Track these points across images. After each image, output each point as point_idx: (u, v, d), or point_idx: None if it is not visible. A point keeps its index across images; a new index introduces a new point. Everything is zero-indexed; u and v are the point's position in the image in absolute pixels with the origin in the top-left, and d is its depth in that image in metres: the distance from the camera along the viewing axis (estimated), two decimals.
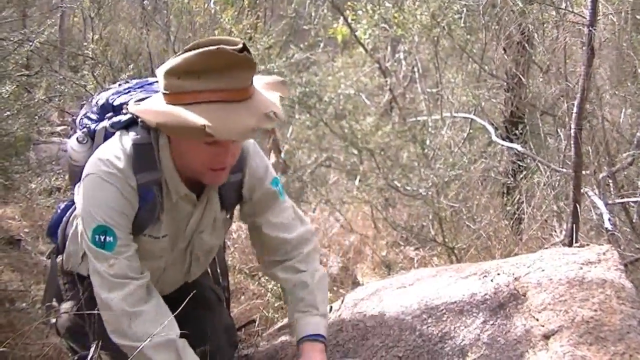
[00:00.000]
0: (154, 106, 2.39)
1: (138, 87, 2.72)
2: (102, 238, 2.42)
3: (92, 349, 2.27)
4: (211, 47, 2.26)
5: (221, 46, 2.25)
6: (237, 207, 2.86)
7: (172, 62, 2.33)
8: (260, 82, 2.50)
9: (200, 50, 2.27)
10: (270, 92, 2.49)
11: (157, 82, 2.51)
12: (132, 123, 2.56)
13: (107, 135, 2.61)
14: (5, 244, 4.52)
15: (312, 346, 2.65)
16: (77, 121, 2.83)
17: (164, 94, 2.37)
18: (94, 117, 2.74)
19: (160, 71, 2.37)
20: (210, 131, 2.20)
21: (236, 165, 2.62)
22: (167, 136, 2.50)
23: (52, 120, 7.21)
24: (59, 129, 6.80)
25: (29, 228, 4.98)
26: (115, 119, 2.62)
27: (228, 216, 2.84)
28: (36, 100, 4.64)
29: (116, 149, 2.49)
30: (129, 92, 2.70)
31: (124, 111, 2.59)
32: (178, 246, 2.72)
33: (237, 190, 2.75)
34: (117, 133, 2.56)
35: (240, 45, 2.28)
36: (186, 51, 2.33)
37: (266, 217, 2.80)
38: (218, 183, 2.61)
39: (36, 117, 4.63)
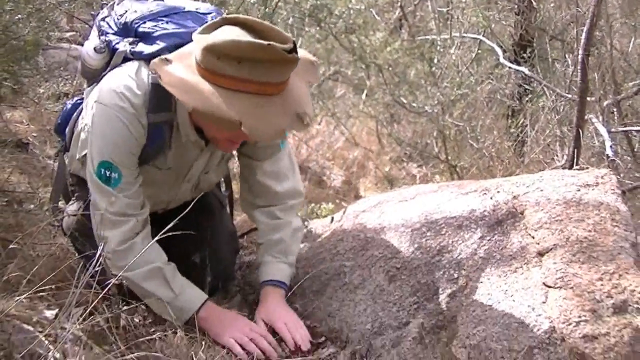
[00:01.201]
0: (183, 74, 2.30)
1: (166, 16, 2.64)
2: (108, 173, 2.48)
3: (99, 248, 2.32)
4: (262, 42, 2.16)
5: (272, 43, 2.16)
6: None
7: (215, 38, 2.23)
8: None
9: (250, 40, 2.19)
10: (302, 76, 2.42)
11: (188, 11, 2.58)
12: (154, 56, 2.44)
13: (126, 59, 2.58)
14: (13, 147, 4.55)
15: (274, 291, 2.75)
16: (96, 22, 2.79)
17: (198, 65, 2.29)
18: (114, 28, 2.68)
19: (200, 42, 2.27)
20: (244, 130, 2.16)
21: None
22: None
23: (61, 26, 7.16)
24: (67, 35, 6.75)
25: (37, 132, 5.00)
26: (137, 49, 2.55)
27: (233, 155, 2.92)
28: (48, 3, 4.61)
29: (133, 83, 2.47)
30: (156, 19, 2.62)
31: (147, 48, 2.54)
32: (182, 182, 2.78)
33: None
34: (137, 63, 2.52)
35: (291, 45, 2.21)
36: (229, 23, 2.30)
37: (262, 164, 2.84)
38: (228, 152, 2.72)
39: (47, 21, 4.61)
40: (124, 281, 2.52)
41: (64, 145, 2.95)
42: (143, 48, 2.54)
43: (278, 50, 2.16)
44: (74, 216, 2.81)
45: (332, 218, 3.14)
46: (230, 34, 2.24)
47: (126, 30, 2.64)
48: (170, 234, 2.32)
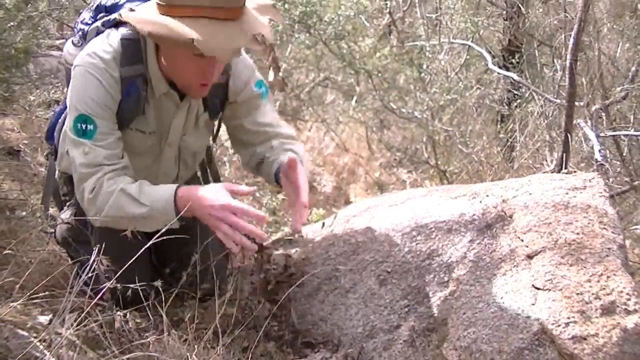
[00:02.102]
0: (147, 15, 2.44)
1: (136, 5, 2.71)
2: (84, 127, 2.50)
3: (93, 254, 2.33)
4: None
5: None
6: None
7: None
8: (252, 3, 2.53)
9: None
10: (262, 15, 2.52)
11: None
12: (122, 21, 2.61)
13: (99, 33, 2.68)
14: (5, 155, 4.56)
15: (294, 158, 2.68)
16: (75, 27, 2.88)
17: (157, 4, 2.42)
18: (89, 21, 2.79)
19: None
20: (197, 45, 2.27)
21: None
22: None
23: (51, 33, 7.16)
24: (58, 42, 6.75)
25: (28, 139, 5.00)
26: (106, 18, 2.68)
27: (210, 118, 2.89)
28: (39, 11, 4.63)
29: (104, 44, 2.57)
30: None
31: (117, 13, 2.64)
32: (165, 149, 2.79)
33: (222, 92, 2.81)
34: (107, 30, 2.64)
35: None
36: None
37: (252, 118, 2.87)
38: (201, 96, 2.68)
39: (39, 29, 4.63)
40: (107, 223, 2.53)
41: (54, 147, 2.97)
42: (111, 16, 2.66)
43: None
44: (67, 223, 2.82)
45: (323, 223, 3.16)
46: None
47: (97, 11, 2.76)
48: (162, 238, 2.33)
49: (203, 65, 2.49)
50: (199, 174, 3.24)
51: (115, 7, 2.70)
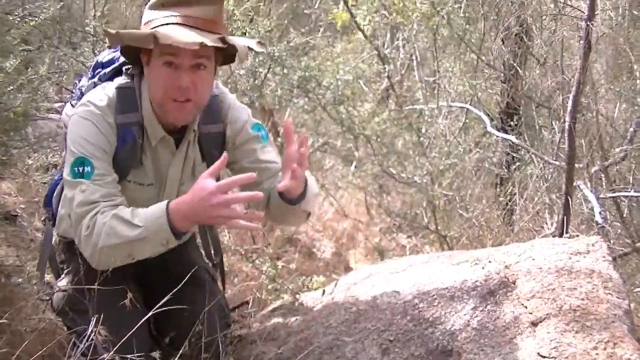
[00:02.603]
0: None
1: None
2: (81, 169, 2.49)
3: (91, 323, 2.29)
4: None
5: None
6: None
7: None
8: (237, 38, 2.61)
9: None
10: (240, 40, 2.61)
11: None
12: (117, 73, 2.69)
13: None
14: (1, 220, 4.53)
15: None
16: (73, 90, 2.91)
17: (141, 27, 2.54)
18: (87, 82, 2.83)
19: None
20: (157, 35, 2.36)
21: (216, 116, 2.75)
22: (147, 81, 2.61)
23: (50, 97, 7.19)
24: (56, 105, 6.78)
25: (25, 204, 4.99)
26: (102, 72, 2.75)
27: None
28: (39, 75, 4.65)
29: (100, 93, 2.61)
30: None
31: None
32: (163, 197, 2.75)
33: (219, 140, 2.81)
34: (104, 83, 2.69)
35: None
36: None
37: (253, 157, 2.83)
38: (182, 119, 2.64)
39: (38, 93, 4.64)
40: (103, 257, 2.47)
41: (51, 213, 2.95)
42: (106, 69, 2.75)
43: None
44: (64, 291, 2.79)
45: (324, 291, 3.13)
46: None
47: (94, 69, 2.83)
48: (161, 309, 2.30)
49: (174, 76, 2.50)
50: (198, 240, 3.22)
51: (111, 63, 2.76)
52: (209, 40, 2.41)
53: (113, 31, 2.44)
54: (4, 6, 4.35)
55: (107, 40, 2.53)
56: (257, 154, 2.84)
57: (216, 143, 2.81)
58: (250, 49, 2.60)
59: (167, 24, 2.46)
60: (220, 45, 2.47)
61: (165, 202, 2.47)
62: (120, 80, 2.66)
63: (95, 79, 2.76)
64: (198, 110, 2.64)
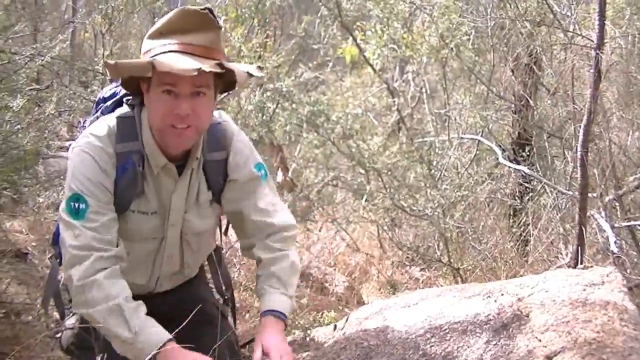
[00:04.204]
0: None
1: None
2: (76, 205, 2.48)
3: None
4: (178, 8, 2.47)
5: (186, 7, 2.46)
6: None
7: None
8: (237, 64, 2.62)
9: (169, 13, 2.48)
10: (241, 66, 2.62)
11: None
12: (118, 105, 2.70)
13: None
14: (12, 257, 4.53)
15: (274, 322, 2.67)
16: (79, 129, 2.91)
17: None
18: (92, 119, 2.83)
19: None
20: (155, 63, 2.34)
21: (220, 143, 2.74)
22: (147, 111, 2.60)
23: (61, 135, 7.22)
24: (67, 143, 6.80)
25: (36, 242, 5.00)
26: (103, 106, 2.76)
27: (214, 198, 2.85)
28: (47, 114, 4.67)
29: (101, 124, 2.61)
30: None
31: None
32: (168, 229, 2.74)
33: (222, 168, 2.80)
34: (106, 116, 2.69)
35: (205, 8, 2.48)
36: None
37: (250, 202, 2.82)
38: (182, 145, 2.63)
39: (46, 131, 4.66)
40: (87, 316, 2.46)
41: (58, 251, 2.94)
42: (107, 103, 2.76)
43: (190, 10, 2.46)
44: (72, 329, 2.77)
45: (335, 326, 3.10)
46: None
47: (97, 105, 2.85)
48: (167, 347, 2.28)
49: (173, 103, 2.48)
50: (209, 276, 3.19)
51: (113, 96, 2.77)
52: (207, 66, 2.39)
53: (112, 62, 2.43)
54: (11, 45, 4.37)
55: (107, 72, 2.55)
56: (255, 199, 2.84)
57: (220, 170, 2.80)
58: (249, 74, 2.59)
59: (166, 52, 2.45)
60: (218, 70, 2.46)
61: (168, 336, 2.45)
62: (121, 110, 2.66)
63: (98, 113, 2.77)
64: (198, 135, 2.63)
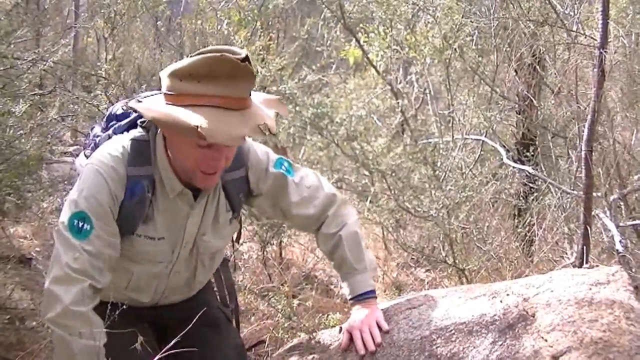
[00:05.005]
0: (153, 104, 2.45)
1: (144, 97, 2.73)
2: (80, 224, 2.44)
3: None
4: (215, 54, 2.32)
5: (224, 54, 2.31)
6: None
7: (177, 65, 2.40)
8: (259, 97, 2.56)
9: (204, 55, 2.34)
10: (268, 108, 2.53)
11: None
12: (132, 126, 2.65)
13: None
14: (16, 263, 4.53)
15: (362, 303, 2.85)
16: (86, 140, 2.89)
17: (165, 94, 2.43)
18: (100, 132, 2.81)
19: (164, 73, 2.44)
20: (202, 132, 2.25)
21: (237, 161, 2.70)
22: (162, 134, 2.56)
23: (64, 140, 7.23)
24: (71, 148, 6.80)
25: (40, 247, 5.00)
26: (116, 125, 2.71)
27: (234, 216, 2.85)
28: (49, 119, 4.67)
29: (115, 144, 2.57)
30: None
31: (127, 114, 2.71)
32: (181, 251, 2.72)
33: (244, 186, 2.80)
34: (119, 135, 2.65)
35: (243, 55, 2.35)
36: (192, 56, 2.39)
37: (287, 201, 2.85)
38: (208, 187, 2.63)
39: (49, 136, 4.66)
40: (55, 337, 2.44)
41: None
42: (121, 122, 2.71)
43: (230, 59, 2.32)
44: None
45: (341, 328, 3.08)
46: (189, 59, 2.39)
47: (108, 121, 2.79)
48: (173, 351, 2.27)
49: (211, 155, 2.46)
50: (212, 280, 3.18)
51: (125, 116, 2.72)
52: (250, 130, 2.38)
53: (150, 114, 2.40)
54: (14, 50, 4.37)
55: (144, 115, 2.47)
56: (289, 196, 2.86)
57: (242, 187, 2.80)
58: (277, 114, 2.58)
59: (204, 105, 2.35)
60: (260, 136, 2.48)
61: None
62: (135, 132, 2.62)
63: (110, 131, 2.73)
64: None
